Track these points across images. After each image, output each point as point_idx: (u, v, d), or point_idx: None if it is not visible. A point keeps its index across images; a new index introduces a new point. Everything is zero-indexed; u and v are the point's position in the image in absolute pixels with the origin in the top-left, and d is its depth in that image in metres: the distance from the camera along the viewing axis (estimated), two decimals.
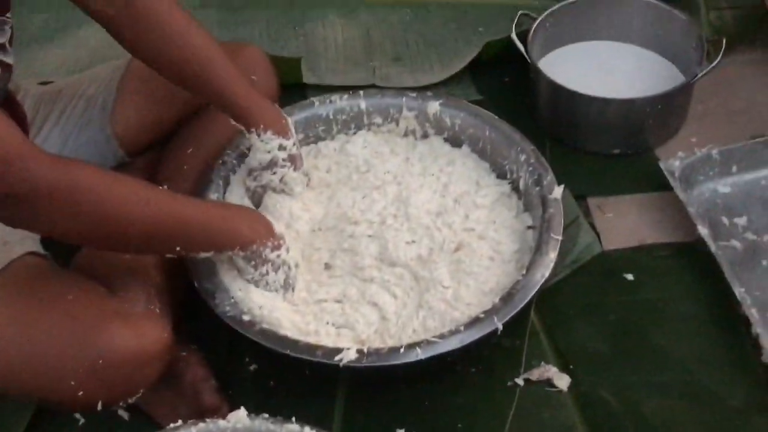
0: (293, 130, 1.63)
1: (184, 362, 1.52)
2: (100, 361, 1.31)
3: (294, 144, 1.63)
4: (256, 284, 1.50)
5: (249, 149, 1.63)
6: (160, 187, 1.39)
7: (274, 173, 1.62)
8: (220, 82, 1.54)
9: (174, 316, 1.49)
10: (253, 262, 1.47)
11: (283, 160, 1.61)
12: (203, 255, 1.43)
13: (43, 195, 1.18)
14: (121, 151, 1.72)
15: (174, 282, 1.56)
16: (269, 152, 1.60)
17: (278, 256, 1.49)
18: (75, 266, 1.54)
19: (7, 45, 1.46)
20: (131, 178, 1.34)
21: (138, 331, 1.35)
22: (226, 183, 1.69)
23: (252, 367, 1.60)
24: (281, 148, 1.60)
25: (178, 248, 1.37)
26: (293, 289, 1.54)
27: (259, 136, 1.58)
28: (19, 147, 1.17)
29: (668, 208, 1.80)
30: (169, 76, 1.57)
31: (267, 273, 1.49)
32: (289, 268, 1.52)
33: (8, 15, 1.43)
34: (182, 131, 1.74)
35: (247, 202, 1.66)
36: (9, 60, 1.47)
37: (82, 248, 1.56)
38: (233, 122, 1.59)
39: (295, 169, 1.64)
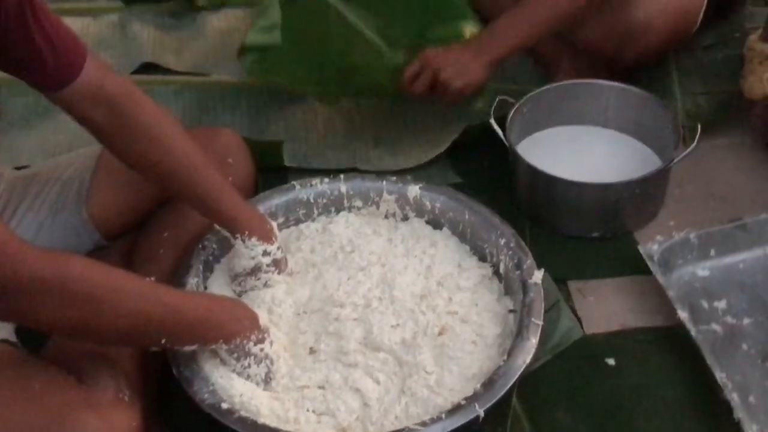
0: (278, 234, 1.64)
1: None
2: None
3: (278, 248, 1.63)
4: (238, 375, 1.48)
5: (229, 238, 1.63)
6: (147, 279, 1.39)
7: (258, 279, 1.63)
8: (205, 188, 1.56)
9: (147, 404, 1.47)
10: (235, 354, 1.46)
11: (267, 265, 1.62)
12: (187, 348, 1.42)
13: (35, 289, 1.18)
14: (97, 235, 1.71)
15: (146, 368, 1.54)
16: (253, 258, 1.60)
17: (261, 349, 1.48)
18: (46, 354, 1.52)
19: None
20: (121, 270, 1.34)
21: (106, 420, 1.32)
22: (207, 268, 1.68)
23: None
24: (265, 253, 1.61)
25: (163, 341, 1.36)
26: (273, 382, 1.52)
27: (243, 242, 1.59)
28: (7, 243, 1.17)
29: (648, 291, 1.80)
30: (154, 181, 1.60)
31: (249, 366, 1.47)
32: (272, 362, 1.50)
33: None
34: (159, 214, 1.73)
35: (229, 292, 1.66)
36: None
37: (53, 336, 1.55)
38: (217, 227, 1.60)
39: (279, 273, 1.65)
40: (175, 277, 1.63)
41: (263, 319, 1.50)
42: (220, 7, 2.74)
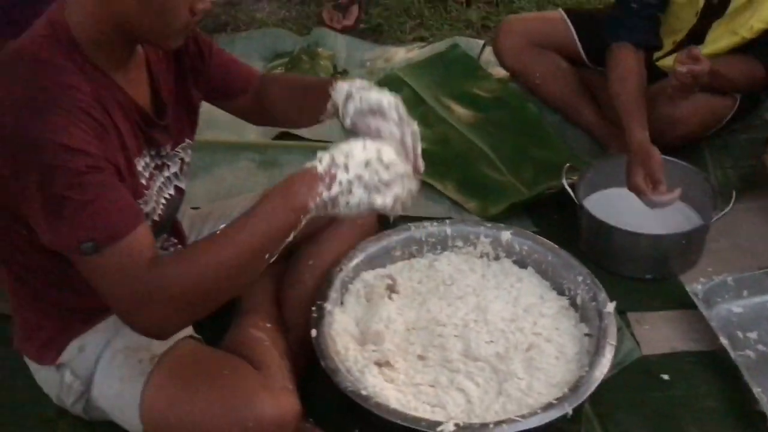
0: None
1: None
2: (251, 424, 1.33)
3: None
4: (350, 211, 1.30)
5: None
6: (217, 231, 1.30)
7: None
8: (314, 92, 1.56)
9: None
10: (326, 207, 1.29)
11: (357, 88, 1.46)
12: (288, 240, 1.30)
13: (145, 301, 1.22)
14: None
15: (297, 361, 1.59)
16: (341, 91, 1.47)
17: (340, 183, 1.27)
18: (224, 347, 1.57)
19: (179, 172, 1.52)
20: (195, 248, 1.30)
21: (279, 402, 1.37)
22: (342, 285, 1.73)
23: None
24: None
25: (266, 256, 1.27)
26: (394, 186, 1.32)
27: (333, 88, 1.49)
28: (147, 258, 1.23)
29: (694, 322, 1.84)
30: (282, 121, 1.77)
31: (347, 202, 1.28)
32: (351, 184, 1.28)
33: (183, 144, 1.53)
34: (304, 246, 1.77)
35: (362, 305, 1.71)
36: (182, 185, 1.54)
37: (227, 333, 1.60)
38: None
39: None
40: (319, 292, 1.68)
41: (321, 165, 1.28)
42: None
